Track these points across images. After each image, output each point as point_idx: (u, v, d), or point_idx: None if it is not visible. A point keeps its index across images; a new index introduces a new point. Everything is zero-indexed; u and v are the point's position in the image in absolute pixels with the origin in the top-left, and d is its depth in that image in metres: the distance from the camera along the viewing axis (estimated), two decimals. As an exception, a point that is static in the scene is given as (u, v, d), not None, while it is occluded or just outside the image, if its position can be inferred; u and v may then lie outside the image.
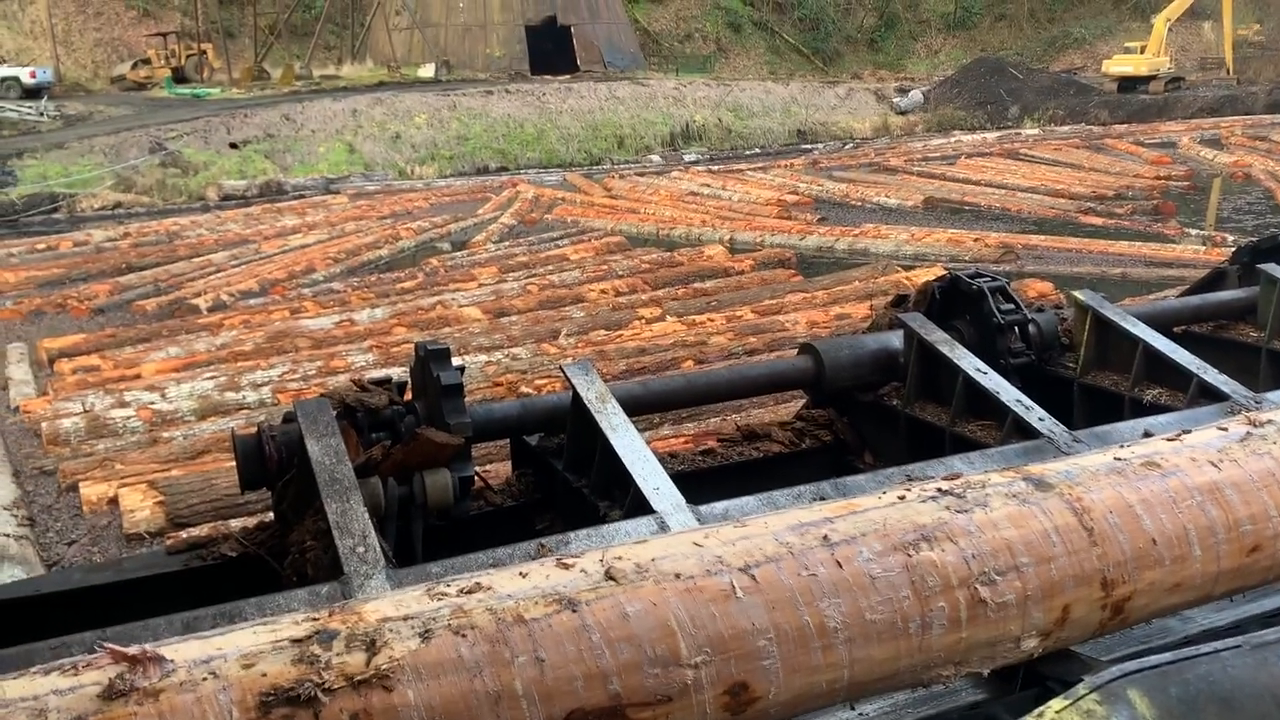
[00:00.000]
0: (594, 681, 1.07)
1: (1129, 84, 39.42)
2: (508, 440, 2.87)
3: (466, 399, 2.40)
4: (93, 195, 22.26)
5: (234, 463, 2.21)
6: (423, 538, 2.27)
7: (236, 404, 8.83)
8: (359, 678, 0.97)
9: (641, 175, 25.63)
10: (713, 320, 10.90)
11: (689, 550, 1.20)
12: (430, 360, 2.35)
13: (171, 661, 0.94)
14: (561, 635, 1.07)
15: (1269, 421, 1.80)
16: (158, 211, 21.58)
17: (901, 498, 1.39)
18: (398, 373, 2.70)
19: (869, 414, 3.29)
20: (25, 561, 6.32)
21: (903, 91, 40.35)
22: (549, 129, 30.72)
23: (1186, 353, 3.00)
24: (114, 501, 6.95)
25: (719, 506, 2.06)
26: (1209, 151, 26.04)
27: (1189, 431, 1.78)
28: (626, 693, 1.08)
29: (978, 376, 2.82)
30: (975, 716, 1.50)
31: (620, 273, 13.61)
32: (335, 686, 0.96)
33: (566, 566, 1.15)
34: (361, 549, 1.74)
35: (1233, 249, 4.23)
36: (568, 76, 38.02)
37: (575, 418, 2.45)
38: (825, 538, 1.27)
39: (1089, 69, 44.43)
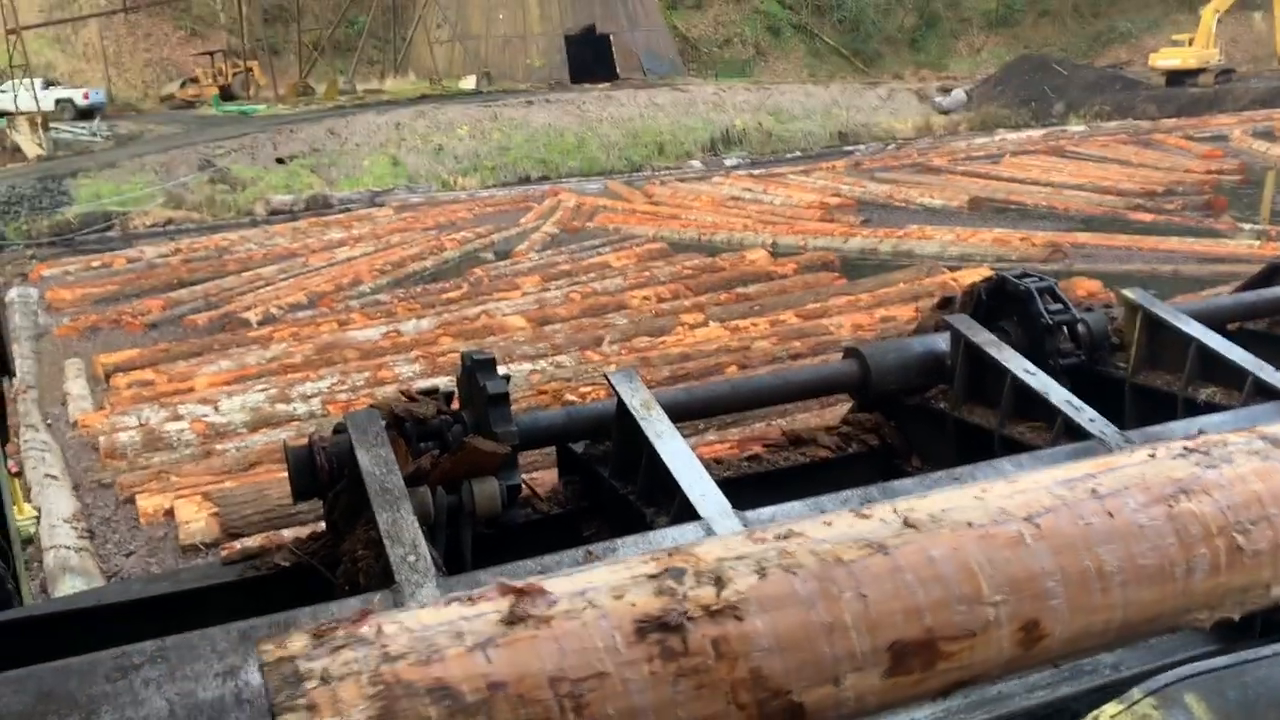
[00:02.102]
0: (910, 616, 1.17)
1: (1177, 77, 38.66)
2: (554, 448, 2.89)
3: (513, 408, 2.42)
4: (145, 213, 22.75)
5: (285, 474, 2.24)
6: (471, 545, 2.29)
7: (287, 415, 8.97)
8: (713, 608, 1.08)
9: (682, 181, 25.65)
10: (756, 325, 10.88)
11: (972, 503, 1.31)
12: (476, 370, 2.37)
13: (553, 594, 1.05)
14: (879, 574, 1.17)
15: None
16: (207, 227, 22.00)
17: (1152, 455, 1.51)
18: (445, 382, 2.73)
19: (916, 417, 3.26)
20: (86, 573, 6.47)
21: (945, 91, 39.99)
22: (589, 137, 30.85)
23: (1241, 350, 2.94)
24: (170, 513, 7.09)
25: (766, 512, 2.06)
26: (1262, 144, 25.48)
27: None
28: (938, 627, 1.19)
29: (1026, 378, 2.79)
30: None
31: (662, 279, 13.62)
32: (695, 615, 1.07)
33: (865, 517, 1.27)
34: (412, 557, 1.76)
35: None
36: (607, 85, 38.18)
37: (620, 425, 2.46)
38: (1093, 491, 1.37)
39: (1135, 63, 43.68)
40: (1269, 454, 1.50)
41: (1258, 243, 14.03)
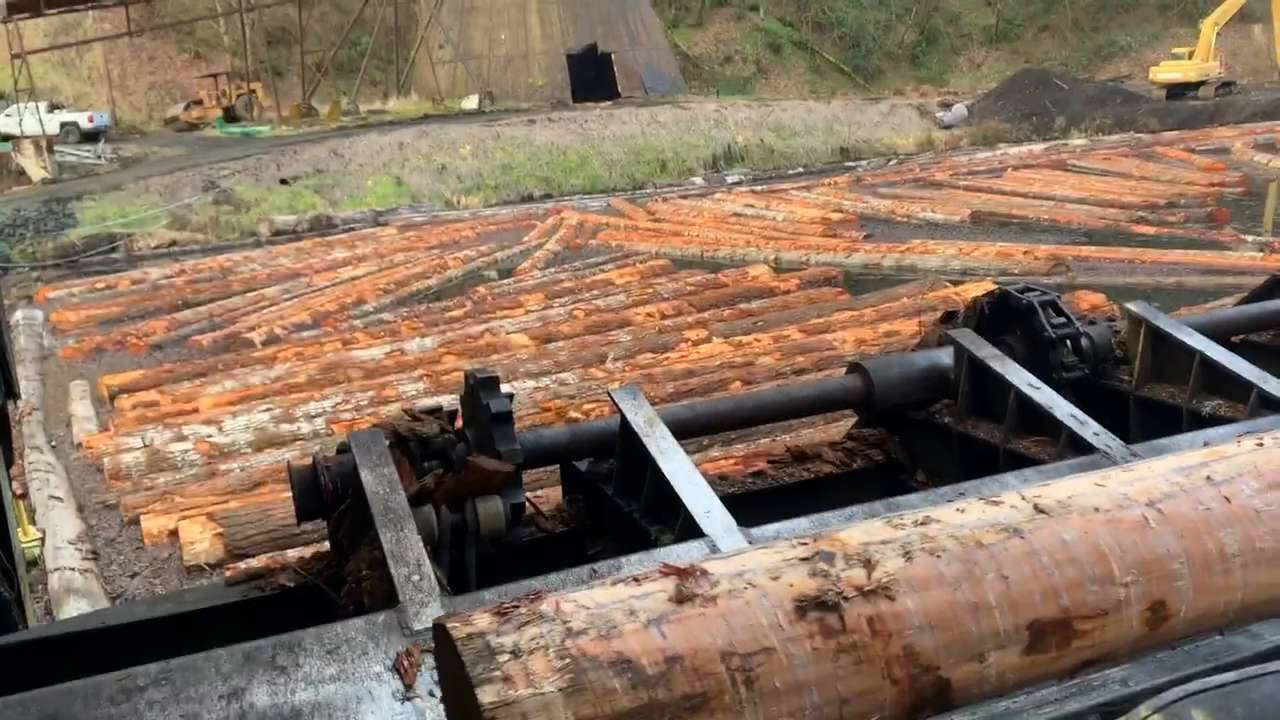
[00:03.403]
0: (1048, 596, 1.23)
1: (1178, 90, 38.77)
2: (557, 466, 2.89)
3: (516, 426, 2.42)
4: (149, 234, 22.84)
5: (289, 494, 2.25)
6: (476, 565, 2.28)
7: (291, 435, 8.97)
8: (866, 589, 1.14)
9: (684, 198, 25.71)
10: (759, 341, 10.88)
11: (1095, 490, 1.37)
12: (480, 388, 2.37)
13: (714, 574, 1.11)
14: (1017, 557, 1.23)
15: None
16: (211, 248, 22.07)
17: (1260, 444, 1.55)
18: (448, 401, 2.73)
19: (920, 432, 3.26)
20: (90, 595, 6.46)
21: (946, 106, 40.11)
22: (591, 155, 30.97)
23: (1246, 362, 2.94)
24: (174, 534, 7.09)
25: (770, 529, 2.05)
26: (1264, 156, 25.50)
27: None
28: (1073, 606, 1.24)
29: (1030, 392, 2.78)
30: None
31: (665, 295, 13.64)
32: (850, 595, 1.13)
33: (996, 504, 1.32)
34: (416, 577, 1.76)
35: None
36: (609, 103, 38.35)
37: (624, 442, 2.45)
38: (1208, 478, 1.42)
39: (1136, 77, 43.81)
40: None
41: (1260, 255, 14.02)
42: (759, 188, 27.07)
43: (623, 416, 2.46)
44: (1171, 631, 1.34)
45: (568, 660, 0.99)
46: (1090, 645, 1.27)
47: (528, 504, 2.50)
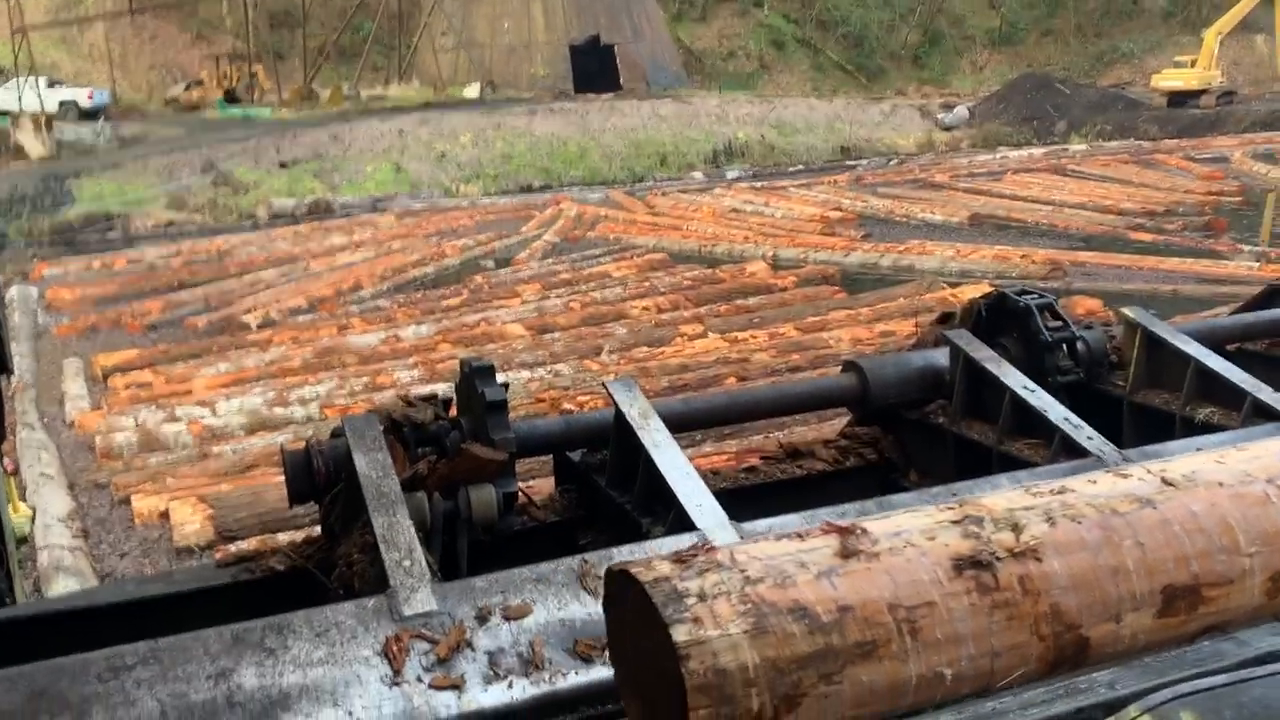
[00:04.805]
0: (1180, 563, 1.29)
1: (1179, 99, 38.80)
2: (551, 456, 2.89)
3: (511, 415, 2.42)
4: (146, 214, 22.77)
5: (282, 477, 2.24)
6: (468, 552, 2.28)
7: (285, 419, 8.96)
8: (1015, 550, 1.19)
9: (684, 192, 25.69)
10: (755, 337, 10.88)
11: (1216, 466, 1.41)
12: (475, 376, 2.37)
13: (873, 533, 1.15)
14: (1151, 525, 1.29)
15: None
16: (209, 230, 22.01)
17: None
18: (443, 389, 2.73)
19: (914, 432, 3.26)
20: (80, 573, 6.45)
21: (948, 108, 40.10)
22: (592, 147, 30.93)
23: (1240, 371, 2.94)
24: (165, 515, 7.08)
25: (762, 524, 2.05)
26: (1263, 166, 25.53)
27: None
28: (1202, 574, 1.29)
29: (1025, 394, 2.79)
30: None
31: (662, 290, 13.64)
32: (1001, 556, 1.18)
33: (1125, 476, 1.39)
34: (408, 563, 1.76)
35: (1288, 265, 4.16)
36: (611, 95, 38.28)
37: (618, 434, 2.46)
38: None
39: (1137, 84, 43.83)
40: None
41: (1257, 264, 14.05)
42: (759, 184, 27.04)
43: (617, 408, 2.46)
44: None
45: (749, 605, 1.04)
46: (1215, 612, 1.32)
47: (520, 493, 2.51)
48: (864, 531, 1.15)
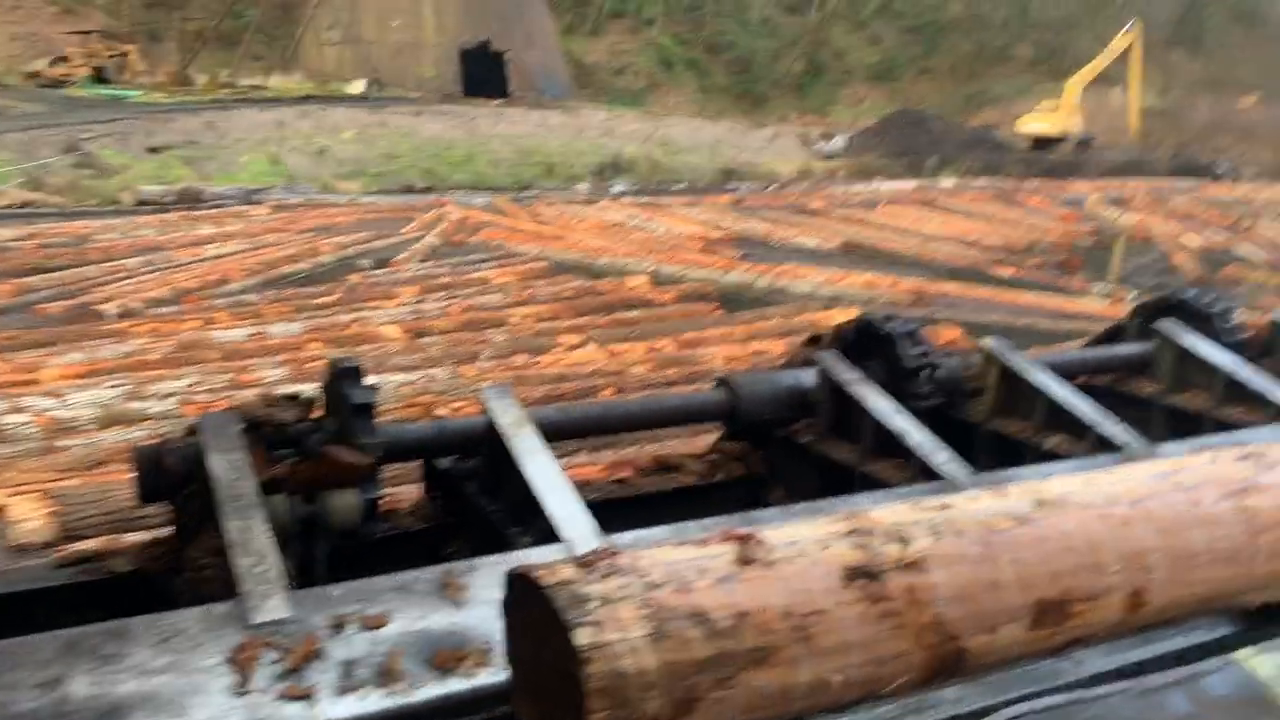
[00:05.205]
0: (1052, 579, 1.36)
1: (1042, 143, 40.95)
2: (421, 462, 2.84)
3: (381, 418, 2.37)
4: (0, 193, 21.44)
5: (135, 474, 2.14)
6: (328, 560, 2.22)
7: (140, 414, 8.54)
8: (903, 561, 1.24)
9: (569, 203, 25.66)
10: (634, 350, 10.94)
11: (1085, 488, 1.53)
12: (342, 378, 2.32)
13: (771, 541, 1.19)
14: (1027, 542, 1.36)
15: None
16: (69, 213, 20.83)
17: (1213, 460, 1.74)
18: (309, 389, 2.65)
19: (781, 449, 3.34)
20: (-100, 571, 6.00)
21: (827, 137, 41.27)
22: (479, 152, 30.64)
23: (1086, 403, 3.11)
24: (1, 510, 6.65)
25: (628, 536, 2.06)
26: (1114, 211, 27.11)
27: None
28: (1071, 590, 1.37)
29: (887, 417, 2.89)
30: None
31: (543, 299, 13.58)
32: (889, 567, 1.23)
33: (1004, 496, 1.46)
34: (260, 568, 1.70)
35: (1132, 305, 4.42)
36: (500, 101, 38.02)
37: (490, 442, 2.43)
38: (1178, 484, 1.60)
39: (1005, 126, 45.94)
40: None
41: (1106, 303, 14.88)
42: (643, 200, 27.23)
43: (491, 415, 2.44)
44: (1144, 618, 1.50)
45: (651, 610, 1.06)
46: (1081, 626, 1.40)
47: (385, 500, 2.45)
48: (761, 540, 1.19)
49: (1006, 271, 17.81)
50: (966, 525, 1.35)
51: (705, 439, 5.72)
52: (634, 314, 12.99)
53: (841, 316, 10.20)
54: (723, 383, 3.31)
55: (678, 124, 38.26)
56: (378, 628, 1.64)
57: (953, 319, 13.24)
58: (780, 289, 15.53)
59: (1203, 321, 3.76)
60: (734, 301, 14.76)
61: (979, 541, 1.33)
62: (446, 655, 1.60)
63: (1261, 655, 1.19)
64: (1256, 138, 45.03)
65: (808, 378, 3.23)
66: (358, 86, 37.74)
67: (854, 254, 19.53)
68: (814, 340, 3.56)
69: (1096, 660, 1.93)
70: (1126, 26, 45.83)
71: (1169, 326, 3.65)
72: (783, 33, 54.60)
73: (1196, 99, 49.81)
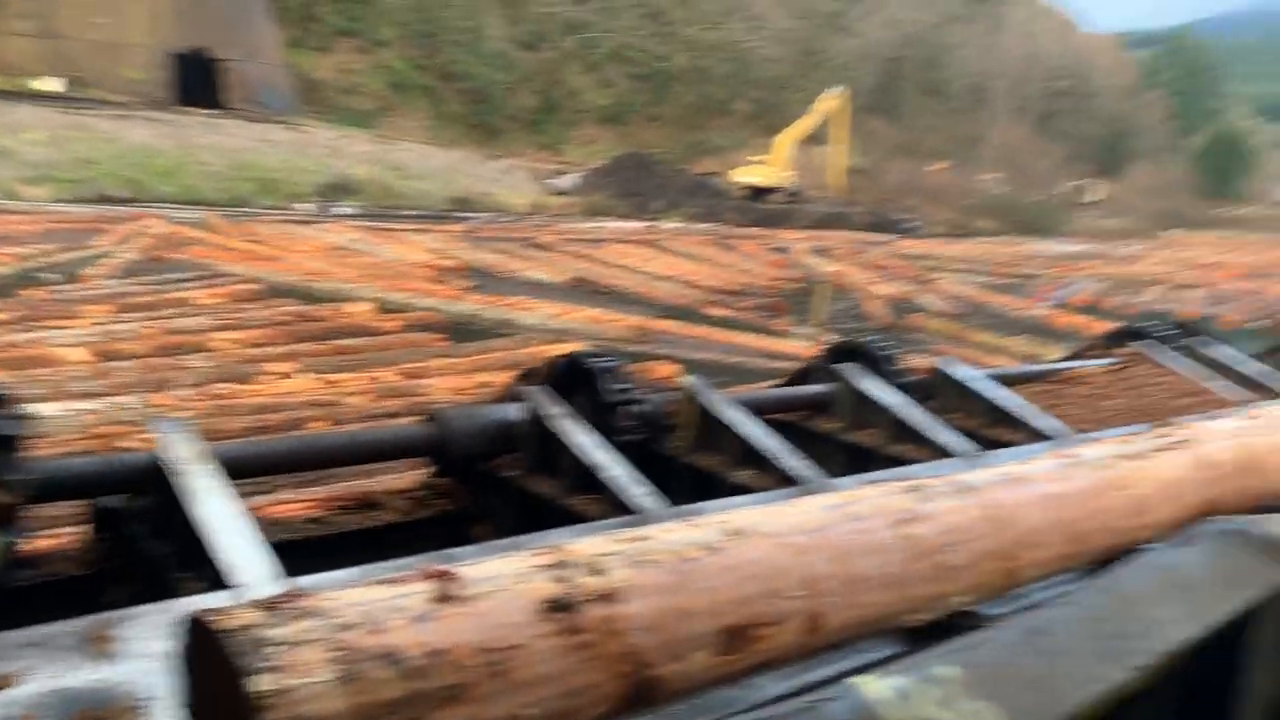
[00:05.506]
0: (739, 605, 1.41)
1: (756, 193, 43.85)
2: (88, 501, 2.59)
3: (40, 452, 2.14)
4: None
5: None
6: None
7: None
8: (599, 593, 1.26)
9: (288, 223, 24.55)
10: (353, 380, 10.56)
11: (768, 519, 1.59)
12: (-13, 407, 2.08)
13: (467, 577, 1.18)
14: (716, 570, 1.41)
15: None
16: None
17: (881, 493, 1.84)
18: (-51, 419, 2.35)
19: (488, 484, 3.32)
20: None
21: (560, 174, 42.07)
22: (189, 164, 28.67)
23: (774, 439, 3.32)
24: None
25: (307, 581, 1.97)
26: (817, 260, 29.37)
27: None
28: (757, 615, 1.43)
29: (587, 452, 2.95)
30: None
31: (255, 323, 12.85)
32: (586, 598, 1.24)
33: (698, 526, 1.51)
34: None
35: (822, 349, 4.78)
36: (217, 112, 35.83)
37: (160, 479, 2.26)
38: (850, 514, 1.69)
39: (725, 174, 48.75)
40: (963, 495, 1.97)
41: (807, 344, 16.05)
42: (370, 224, 26.53)
43: (165, 450, 2.26)
44: (823, 640, 1.59)
45: (341, 652, 1.03)
46: (765, 650, 1.46)
47: (37, 542, 2.21)
48: (459, 576, 1.18)
49: (721, 312, 18.80)
50: (661, 555, 1.39)
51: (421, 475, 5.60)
52: (355, 342, 12.55)
53: (567, 350, 10.37)
54: (431, 416, 3.26)
55: (412, 149, 37.66)
56: (4, 688, 1.46)
57: (671, 355, 13.79)
58: (509, 321, 15.57)
59: (877, 365, 4.13)
60: (462, 332, 14.63)
61: (672, 571, 1.37)
62: (89, 716, 1.46)
63: (878, 680, 1.30)
64: (942, 200, 50.48)
65: (515, 412, 3.24)
66: (53, 84, 34.38)
67: (582, 289, 19.95)
68: (528, 374, 3.59)
69: (765, 686, 2.04)
70: (831, 91, 50.10)
71: (848, 369, 3.98)
72: (518, 68, 55.24)
73: (892, 162, 55.16)
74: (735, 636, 1.41)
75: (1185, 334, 5.43)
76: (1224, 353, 5.27)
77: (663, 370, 11.58)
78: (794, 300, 21.95)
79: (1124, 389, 4.49)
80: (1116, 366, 4.83)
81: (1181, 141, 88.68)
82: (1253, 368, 5.20)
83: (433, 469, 3.51)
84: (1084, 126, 78.21)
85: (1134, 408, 4.30)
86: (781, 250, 30.65)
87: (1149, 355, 5.01)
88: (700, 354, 14.46)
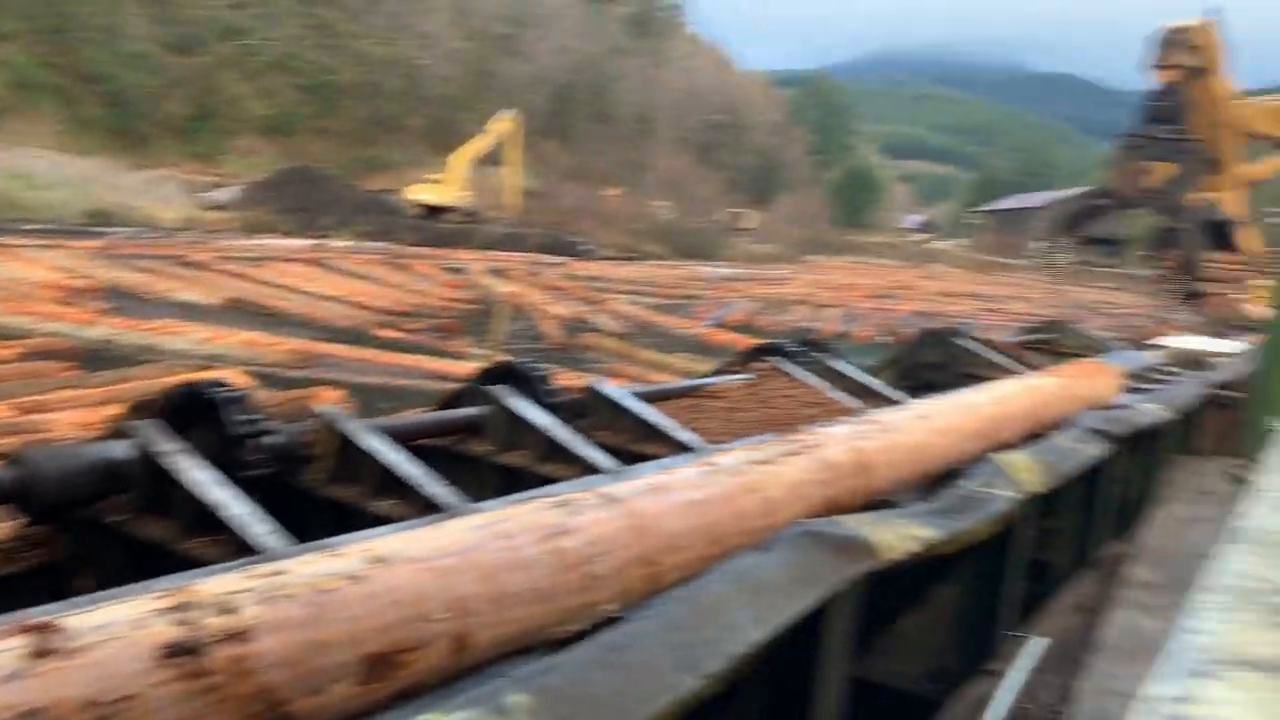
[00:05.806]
0: (381, 633, 1.38)
1: (432, 211, 43.35)
2: None
3: None
4: None
5: None
6: None
7: None
8: (228, 632, 1.21)
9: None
10: (-48, 417, 9.20)
11: (413, 544, 1.58)
12: None
13: (73, 628, 1.12)
14: (357, 599, 1.38)
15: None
16: None
17: (530, 510, 1.84)
18: None
19: (90, 531, 2.96)
20: None
21: (216, 187, 39.35)
22: None
23: (417, 466, 3.22)
24: None
25: None
26: (493, 280, 29.47)
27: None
28: (400, 641, 1.41)
29: (206, 490, 2.70)
30: None
31: None
32: (212, 639, 1.19)
33: (340, 555, 1.47)
34: None
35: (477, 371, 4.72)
36: None
37: None
38: (498, 533, 1.69)
39: (399, 191, 47.79)
40: (609, 506, 2.00)
41: (482, 365, 16.01)
42: (-16, 239, 23.40)
43: None
44: (472, 659, 1.58)
45: None
46: (411, 674, 1.45)
47: None
48: (62, 628, 1.12)
49: (392, 334, 18.32)
50: (297, 589, 1.34)
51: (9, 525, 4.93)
52: (-43, 373, 10.97)
53: (220, 376, 9.61)
54: (14, 459, 2.85)
55: (38, 155, 33.67)
56: None
57: (336, 380, 13.22)
58: (151, 346, 14.26)
59: (530, 386, 4.13)
60: (94, 360, 13.21)
61: (309, 604, 1.33)
62: None
63: (444, 716, 1.28)
64: (613, 224, 52.41)
65: (122, 450, 2.91)
66: None
67: (239, 311, 18.70)
68: (142, 407, 3.24)
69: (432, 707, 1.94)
70: (504, 113, 50.59)
71: (499, 391, 3.95)
72: (166, 72, 50.99)
73: (566, 185, 56.54)
74: (377, 664, 1.40)
75: (813, 350, 5.93)
76: (845, 366, 5.80)
77: (326, 396, 11.06)
78: (470, 321, 21.86)
79: (758, 402, 4.81)
80: (753, 381, 5.17)
81: (821, 174, 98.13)
82: (869, 379, 5.77)
83: (25, 518, 3.08)
84: (739, 158, 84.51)
85: (767, 418, 4.61)
86: (458, 270, 30.45)
87: (782, 369, 5.41)
88: (367, 378, 13.99)
